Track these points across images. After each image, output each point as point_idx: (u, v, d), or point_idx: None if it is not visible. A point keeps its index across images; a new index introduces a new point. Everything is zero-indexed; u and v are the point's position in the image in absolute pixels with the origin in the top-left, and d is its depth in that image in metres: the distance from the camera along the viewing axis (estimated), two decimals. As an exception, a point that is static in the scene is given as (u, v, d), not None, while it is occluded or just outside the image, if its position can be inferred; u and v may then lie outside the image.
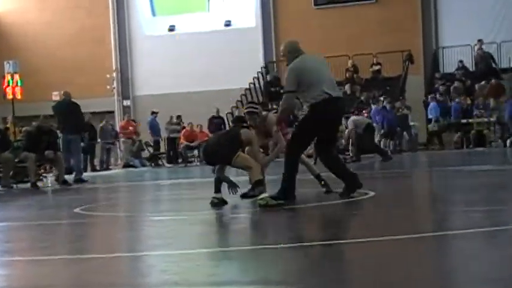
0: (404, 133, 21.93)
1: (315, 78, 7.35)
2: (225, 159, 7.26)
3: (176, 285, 3.63)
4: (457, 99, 22.58)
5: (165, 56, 27.87)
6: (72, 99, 14.62)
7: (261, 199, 6.99)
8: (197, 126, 22.29)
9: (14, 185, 13.29)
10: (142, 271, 4.17)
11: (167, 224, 6.62)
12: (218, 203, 7.28)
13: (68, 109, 14.08)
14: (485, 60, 24.29)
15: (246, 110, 7.94)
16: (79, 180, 13.73)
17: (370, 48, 25.21)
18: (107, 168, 20.57)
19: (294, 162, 7.43)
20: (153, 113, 23.05)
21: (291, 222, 6.24)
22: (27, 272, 4.29)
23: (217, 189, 7.36)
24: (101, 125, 21.27)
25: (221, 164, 7.39)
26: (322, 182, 8.20)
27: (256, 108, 7.97)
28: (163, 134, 23.06)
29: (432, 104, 22.69)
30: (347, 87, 24.99)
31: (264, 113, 8.09)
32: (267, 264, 4.12)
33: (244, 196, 7.78)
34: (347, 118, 17.76)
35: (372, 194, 7.83)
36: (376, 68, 25.40)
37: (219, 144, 7.38)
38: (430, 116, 22.73)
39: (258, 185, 7.11)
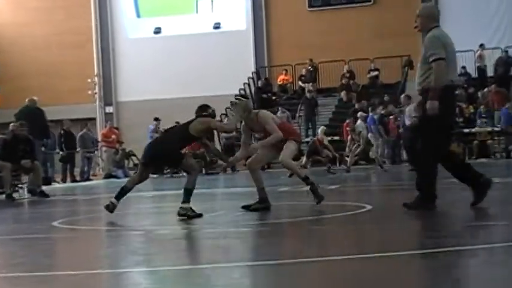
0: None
1: (453, 59, 6.95)
2: (168, 157, 7.66)
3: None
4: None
5: (150, 60, 27.89)
6: (37, 106, 14.73)
7: (182, 208, 7.49)
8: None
9: (-12, 197, 13.24)
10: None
11: (150, 238, 6.60)
12: (111, 208, 8.00)
13: (31, 116, 14.09)
14: (506, 65, 24.40)
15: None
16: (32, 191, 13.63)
17: (367, 53, 25.32)
18: (88, 179, 20.52)
19: (433, 167, 6.90)
20: (155, 119, 22.96)
21: (286, 237, 6.24)
22: (1, 290, 4.27)
23: (118, 196, 8.06)
24: (80, 133, 21.22)
25: (165, 164, 7.88)
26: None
27: (238, 99, 8.27)
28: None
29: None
30: (342, 94, 25.08)
31: (255, 111, 8.30)
32: (260, 282, 4.11)
33: (245, 207, 8.02)
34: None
35: (368, 207, 7.85)
36: (374, 73, 25.50)
37: (163, 141, 7.94)
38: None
39: (188, 193, 7.58)
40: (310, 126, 23.58)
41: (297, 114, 24.22)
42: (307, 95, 24.28)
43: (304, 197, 9.51)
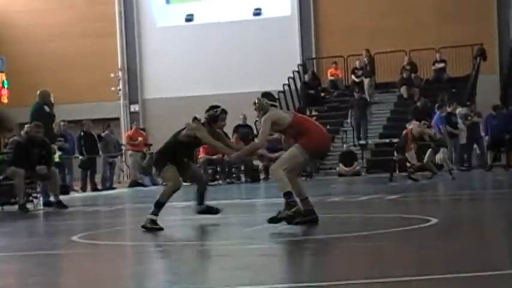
0: (475, 146, 21.73)
1: None
2: (155, 165, 8.28)
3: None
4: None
5: (181, 51, 28.05)
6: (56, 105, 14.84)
7: (147, 218, 8.18)
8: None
9: (-1, 207, 13.49)
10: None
11: (182, 256, 6.66)
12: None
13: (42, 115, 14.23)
14: None
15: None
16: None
17: (431, 42, 25.09)
18: (111, 187, 20.74)
19: None
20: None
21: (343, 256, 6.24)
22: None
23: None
24: (102, 134, 21.46)
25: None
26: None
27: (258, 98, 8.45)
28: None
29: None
30: (402, 89, 24.88)
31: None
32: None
33: (271, 221, 7.94)
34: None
35: (434, 221, 7.80)
36: (440, 66, 25.26)
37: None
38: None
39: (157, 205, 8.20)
40: (360, 132, 23.37)
41: (347, 120, 24.04)
42: (355, 95, 24.11)
43: (358, 208, 9.49)
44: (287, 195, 7.77)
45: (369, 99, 24.56)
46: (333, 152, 23.65)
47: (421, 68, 25.37)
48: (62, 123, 19.29)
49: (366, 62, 25.42)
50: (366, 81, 25.32)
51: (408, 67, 25.12)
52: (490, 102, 23.30)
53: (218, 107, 8.64)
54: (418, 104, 22.85)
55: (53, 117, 14.94)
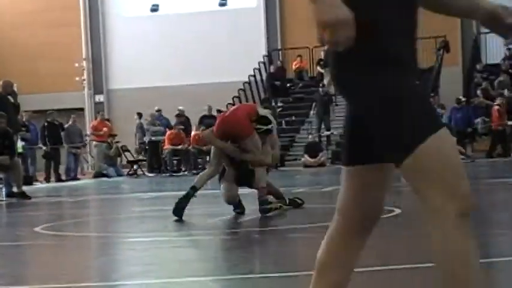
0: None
1: None
2: None
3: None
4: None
5: (146, 42, 27.91)
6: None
7: None
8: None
9: (-38, 198, 13.34)
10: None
11: (147, 246, 6.64)
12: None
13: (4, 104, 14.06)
14: None
15: None
16: None
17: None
18: (75, 178, 20.62)
19: None
20: (158, 111, 23.26)
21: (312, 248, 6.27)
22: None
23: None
24: (65, 125, 21.26)
25: None
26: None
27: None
28: (145, 138, 23.07)
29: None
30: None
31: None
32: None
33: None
34: None
35: (397, 211, 7.86)
36: (404, 57, 25.43)
37: None
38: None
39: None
40: (322, 126, 23.44)
41: (312, 112, 24.08)
42: (320, 90, 24.19)
43: (322, 199, 9.51)
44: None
45: (327, 90, 24.77)
46: (298, 143, 23.78)
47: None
48: (24, 113, 19.10)
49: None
50: (324, 72, 25.45)
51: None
52: (453, 94, 23.56)
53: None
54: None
55: (18, 107, 14.78)
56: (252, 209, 8.37)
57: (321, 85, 24.67)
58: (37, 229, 7.91)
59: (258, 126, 8.14)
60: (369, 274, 4.58)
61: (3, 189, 13.90)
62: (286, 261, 5.50)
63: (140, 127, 23.40)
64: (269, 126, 8.31)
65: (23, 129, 18.03)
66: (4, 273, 5.34)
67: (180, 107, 22.82)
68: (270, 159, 8.38)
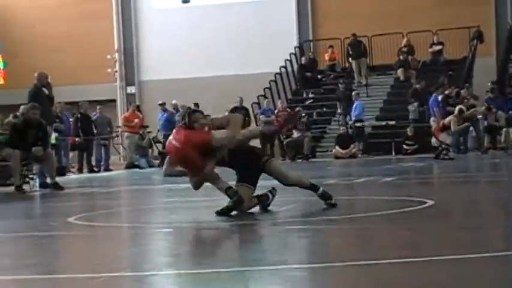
0: (471, 129, 21.74)
1: None
2: None
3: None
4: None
5: (177, 33, 27.96)
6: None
7: None
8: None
9: (-5, 189, 13.48)
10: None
11: (179, 237, 6.66)
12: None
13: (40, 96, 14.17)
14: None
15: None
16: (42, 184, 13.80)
17: (429, 24, 25.03)
18: (107, 169, 20.74)
19: None
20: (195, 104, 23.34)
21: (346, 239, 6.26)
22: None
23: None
24: (94, 117, 21.27)
25: None
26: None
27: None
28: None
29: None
30: (399, 72, 24.85)
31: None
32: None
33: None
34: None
35: (430, 203, 7.80)
36: (437, 48, 25.23)
37: None
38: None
39: None
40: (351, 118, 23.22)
41: (338, 111, 23.87)
42: (340, 87, 24.04)
43: (353, 190, 9.47)
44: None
45: (359, 82, 24.64)
46: (329, 134, 23.70)
47: (418, 51, 25.33)
48: (58, 104, 19.23)
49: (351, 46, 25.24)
50: (354, 63, 25.34)
51: (405, 49, 25.09)
52: (486, 85, 23.32)
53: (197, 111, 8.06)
54: (418, 86, 22.86)
55: (52, 99, 14.90)
56: (283, 200, 8.35)
57: (340, 81, 24.60)
58: (70, 219, 7.97)
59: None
60: (400, 265, 4.55)
61: (37, 180, 14.03)
62: (316, 252, 5.48)
63: (166, 119, 23.06)
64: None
65: (57, 120, 18.18)
66: (37, 262, 5.39)
67: (239, 96, 22.70)
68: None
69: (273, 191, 7.97)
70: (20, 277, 4.80)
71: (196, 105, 23.49)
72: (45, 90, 14.39)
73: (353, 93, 23.21)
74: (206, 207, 8.47)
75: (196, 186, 7.96)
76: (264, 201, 7.89)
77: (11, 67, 26.42)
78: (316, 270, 4.63)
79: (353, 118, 22.72)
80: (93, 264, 5.30)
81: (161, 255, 5.66)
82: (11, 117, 17.64)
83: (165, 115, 23.17)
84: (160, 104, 23.59)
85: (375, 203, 8.88)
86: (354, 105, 22.63)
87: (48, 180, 13.58)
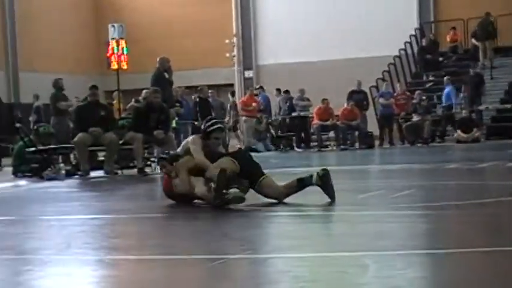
0: None
1: None
2: None
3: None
4: None
5: (294, 17, 27.99)
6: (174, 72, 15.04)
7: None
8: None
9: (119, 171, 13.87)
10: (270, 277, 4.23)
11: (299, 221, 6.68)
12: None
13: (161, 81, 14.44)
14: None
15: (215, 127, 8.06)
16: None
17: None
18: (225, 153, 20.98)
19: None
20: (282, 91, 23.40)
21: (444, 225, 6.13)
22: (137, 273, 4.47)
23: None
24: (210, 99, 21.49)
25: None
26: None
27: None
28: (293, 113, 23.19)
29: None
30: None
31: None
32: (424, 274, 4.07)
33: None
34: None
35: None
36: None
37: None
38: None
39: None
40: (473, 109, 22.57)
41: (461, 94, 23.22)
42: (471, 71, 23.31)
43: (475, 176, 9.23)
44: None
45: (484, 64, 23.89)
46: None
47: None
48: (178, 88, 19.58)
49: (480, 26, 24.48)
50: (480, 45, 24.59)
51: None
52: None
53: (216, 123, 8.22)
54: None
55: (172, 83, 15.23)
56: (412, 184, 8.23)
57: (472, 65, 23.89)
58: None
59: None
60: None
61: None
62: (439, 238, 5.38)
63: (286, 101, 23.24)
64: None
65: (177, 104, 18.53)
66: (159, 243, 5.53)
67: (357, 80, 22.56)
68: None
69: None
70: (145, 257, 4.93)
71: (302, 91, 23.28)
72: (166, 75, 14.74)
73: (444, 78, 22.76)
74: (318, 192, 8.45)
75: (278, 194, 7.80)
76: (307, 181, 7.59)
77: (133, 52, 27.07)
78: (437, 255, 4.55)
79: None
80: (216, 246, 5.36)
81: (282, 238, 5.68)
82: (133, 102, 18.12)
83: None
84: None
85: (498, 188, 8.63)
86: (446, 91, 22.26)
87: None
